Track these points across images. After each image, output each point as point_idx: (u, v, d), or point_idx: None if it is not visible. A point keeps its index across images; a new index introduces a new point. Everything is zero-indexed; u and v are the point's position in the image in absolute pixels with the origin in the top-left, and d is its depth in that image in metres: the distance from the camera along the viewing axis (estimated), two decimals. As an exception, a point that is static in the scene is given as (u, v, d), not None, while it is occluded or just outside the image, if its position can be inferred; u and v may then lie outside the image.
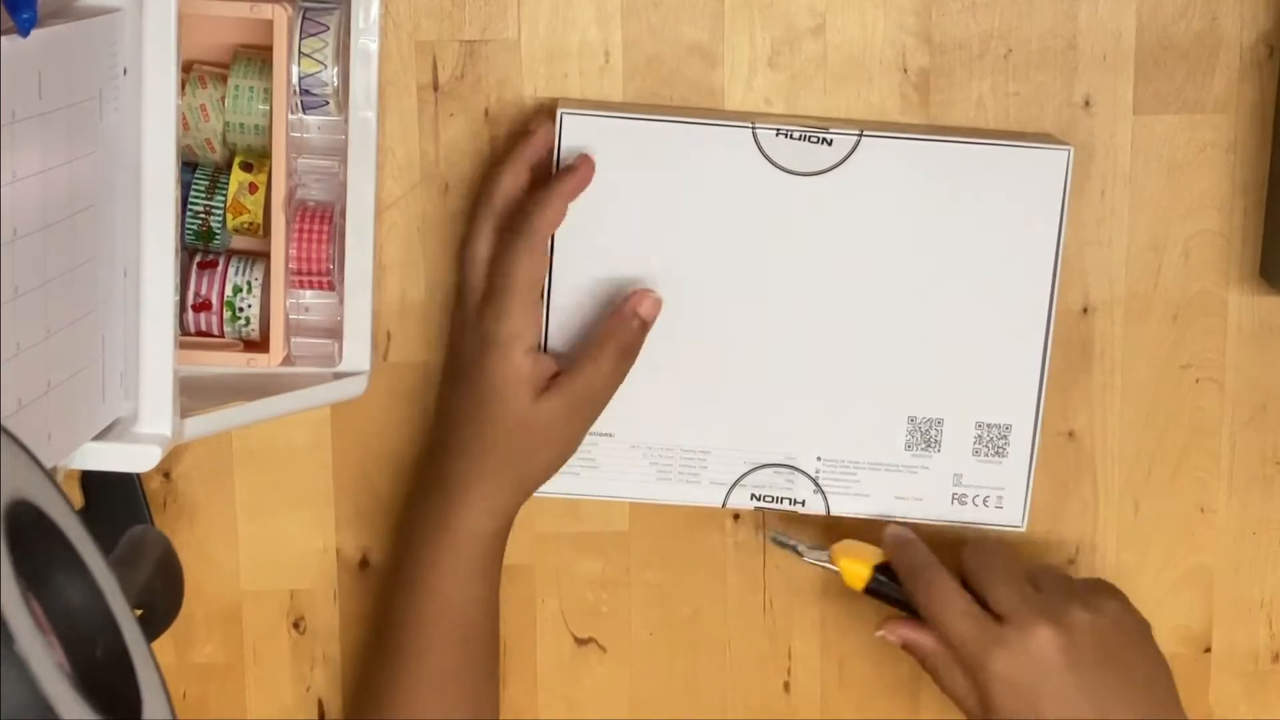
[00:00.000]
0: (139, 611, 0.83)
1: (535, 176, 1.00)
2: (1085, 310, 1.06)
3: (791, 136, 1.00)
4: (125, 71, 0.87)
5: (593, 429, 1.02)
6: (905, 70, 1.03)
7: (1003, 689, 0.96)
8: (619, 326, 0.99)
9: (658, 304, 1.00)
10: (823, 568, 1.03)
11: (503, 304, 0.97)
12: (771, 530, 1.06)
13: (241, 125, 0.99)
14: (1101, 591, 1.00)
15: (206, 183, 0.99)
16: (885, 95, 1.04)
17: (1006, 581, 0.98)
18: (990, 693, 0.96)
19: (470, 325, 1.00)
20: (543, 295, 0.99)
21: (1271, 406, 1.08)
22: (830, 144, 1.00)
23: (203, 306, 0.99)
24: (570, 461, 1.02)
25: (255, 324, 1.00)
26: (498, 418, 0.98)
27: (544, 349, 1.01)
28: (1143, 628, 1.00)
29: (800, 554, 1.04)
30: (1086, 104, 1.04)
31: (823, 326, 1.02)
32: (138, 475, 1.05)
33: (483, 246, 1.00)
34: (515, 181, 1.00)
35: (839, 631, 1.09)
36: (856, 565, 1.02)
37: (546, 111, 1.01)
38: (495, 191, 1.00)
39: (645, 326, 1.00)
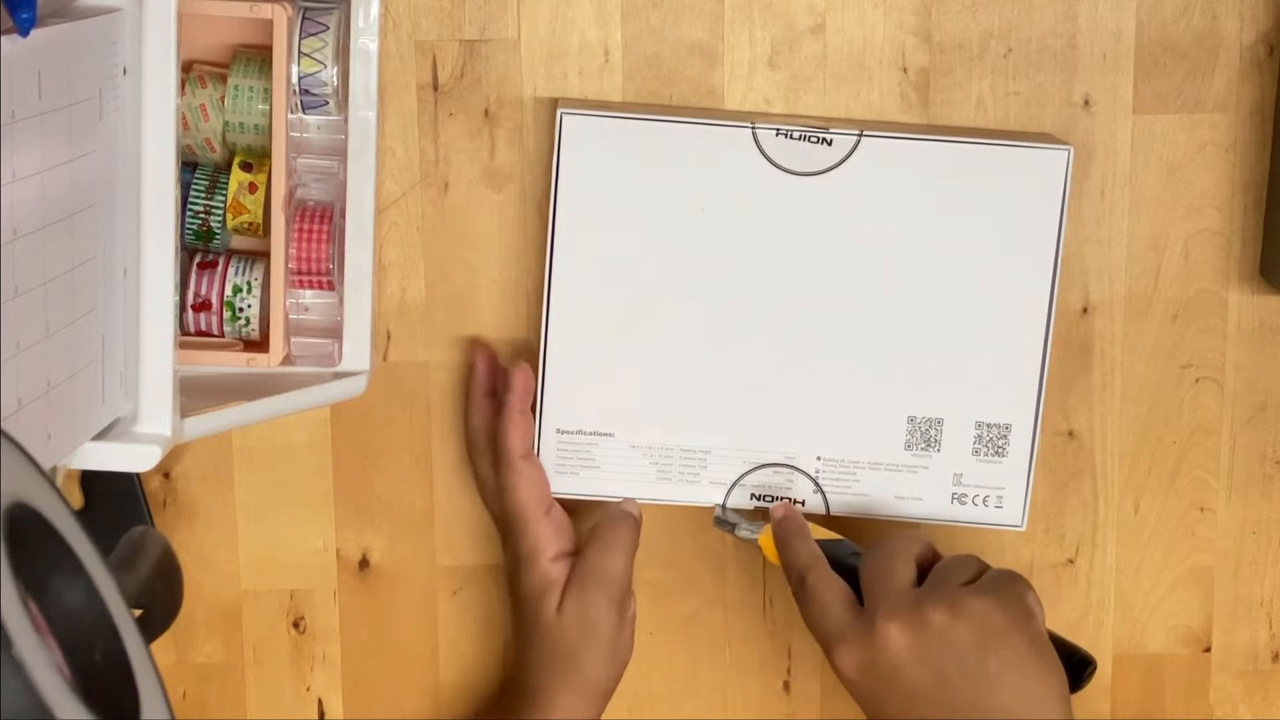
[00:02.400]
0: (138, 612, 0.83)
1: (500, 400, 1.04)
2: (1085, 310, 1.06)
3: (791, 136, 1.00)
4: (125, 71, 0.87)
5: (593, 429, 1.02)
6: (905, 70, 1.03)
7: (849, 683, 0.94)
8: (615, 522, 1.02)
9: (638, 509, 1.04)
10: (749, 543, 1.03)
11: (515, 528, 1.02)
12: (717, 510, 1.05)
13: (241, 125, 0.99)
14: (981, 591, 0.93)
15: (206, 182, 0.99)
16: (885, 95, 1.04)
17: (880, 578, 0.95)
18: (845, 686, 0.95)
19: (508, 550, 1.04)
20: (550, 507, 1.02)
21: (1271, 406, 1.08)
22: (830, 144, 1.00)
23: (203, 306, 0.99)
24: (571, 462, 1.02)
25: (255, 324, 1.00)
26: (541, 632, 1.02)
27: (545, 353, 1.02)
28: (1013, 628, 0.92)
29: (735, 532, 1.04)
30: (1086, 104, 1.04)
31: (822, 326, 1.02)
32: (138, 475, 1.06)
33: (487, 484, 1.05)
34: (484, 416, 1.05)
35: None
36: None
37: (484, 347, 1.05)
38: (474, 433, 1.05)
39: (638, 521, 1.03)
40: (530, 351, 1.06)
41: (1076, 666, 0.97)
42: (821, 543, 1.00)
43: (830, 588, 0.97)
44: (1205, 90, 1.04)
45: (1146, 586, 1.09)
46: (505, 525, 1.03)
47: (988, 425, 1.04)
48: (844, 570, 0.98)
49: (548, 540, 1.01)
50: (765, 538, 1.02)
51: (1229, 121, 1.04)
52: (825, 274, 1.02)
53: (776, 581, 1.09)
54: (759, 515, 1.05)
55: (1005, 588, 0.94)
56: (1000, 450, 1.04)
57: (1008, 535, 1.08)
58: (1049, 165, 1.01)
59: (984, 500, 1.05)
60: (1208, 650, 1.10)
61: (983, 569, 0.96)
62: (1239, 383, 1.07)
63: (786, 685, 1.11)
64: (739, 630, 1.10)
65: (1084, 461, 1.08)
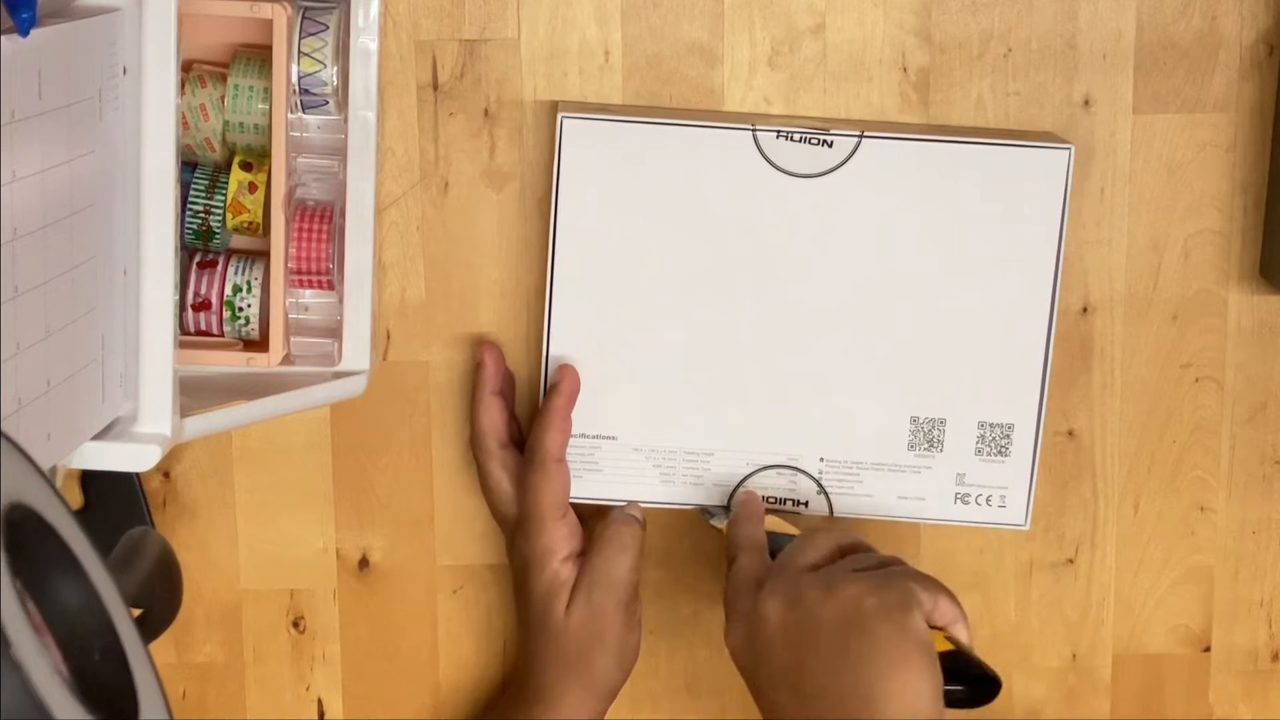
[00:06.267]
0: (138, 613, 0.83)
1: (506, 399, 1.05)
2: (1085, 310, 1.06)
3: (792, 138, 1.00)
4: (125, 71, 0.87)
5: (596, 433, 1.03)
6: (905, 70, 1.03)
7: (732, 655, 0.95)
8: (620, 527, 1.02)
9: (642, 514, 1.04)
10: (719, 530, 1.04)
11: (531, 527, 1.02)
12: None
13: (241, 125, 0.99)
14: (863, 578, 0.91)
15: (206, 182, 0.99)
16: (885, 95, 1.04)
17: (785, 559, 0.95)
18: (733, 660, 0.95)
19: (516, 550, 1.04)
20: (566, 510, 1.02)
21: (1271, 406, 1.08)
22: (831, 146, 1.00)
23: (202, 306, 0.99)
24: (574, 465, 1.03)
25: (255, 323, 1.00)
26: (549, 633, 1.02)
27: (546, 358, 1.02)
28: (883, 617, 0.89)
29: (711, 521, 1.04)
30: (1086, 103, 1.04)
31: (825, 328, 1.02)
32: (137, 475, 1.06)
33: (498, 485, 1.04)
34: (491, 416, 1.04)
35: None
36: None
37: (492, 346, 1.04)
38: (482, 433, 1.04)
39: (642, 525, 1.03)
40: (530, 351, 1.06)
41: (980, 684, 0.92)
42: (774, 535, 1.00)
43: (749, 568, 0.96)
44: (1205, 90, 1.04)
45: (1146, 586, 1.09)
46: (518, 525, 1.03)
47: (990, 425, 1.03)
48: None
49: (561, 542, 1.01)
50: (726, 525, 1.03)
51: (1229, 121, 1.04)
52: (826, 275, 1.02)
53: (776, 581, 1.09)
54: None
55: (892, 579, 0.91)
56: (1003, 450, 1.04)
57: (1008, 535, 1.08)
58: (1050, 165, 1.01)
59: (987, 500, 1.05)
60: (1208, 650, 1.10)
61: (892, 563, 0.94)
62: (1239, 383, 1.07)
63: (786, 685, 1.11)
64: (739, 630, 1.10)
65: (1084, 461, 1.08)
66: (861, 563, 0.94)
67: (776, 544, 0.99)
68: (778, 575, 0.94)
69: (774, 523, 1.02)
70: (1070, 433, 1.08)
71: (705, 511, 1.05)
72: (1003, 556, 1.09)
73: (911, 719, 0.88)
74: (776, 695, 0.92)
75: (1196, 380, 1.07)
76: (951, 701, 0.90)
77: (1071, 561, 1.09)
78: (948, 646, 0.91)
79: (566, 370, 1.02)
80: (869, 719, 0.87)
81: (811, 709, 0.90)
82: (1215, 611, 1.10)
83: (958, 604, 0.92)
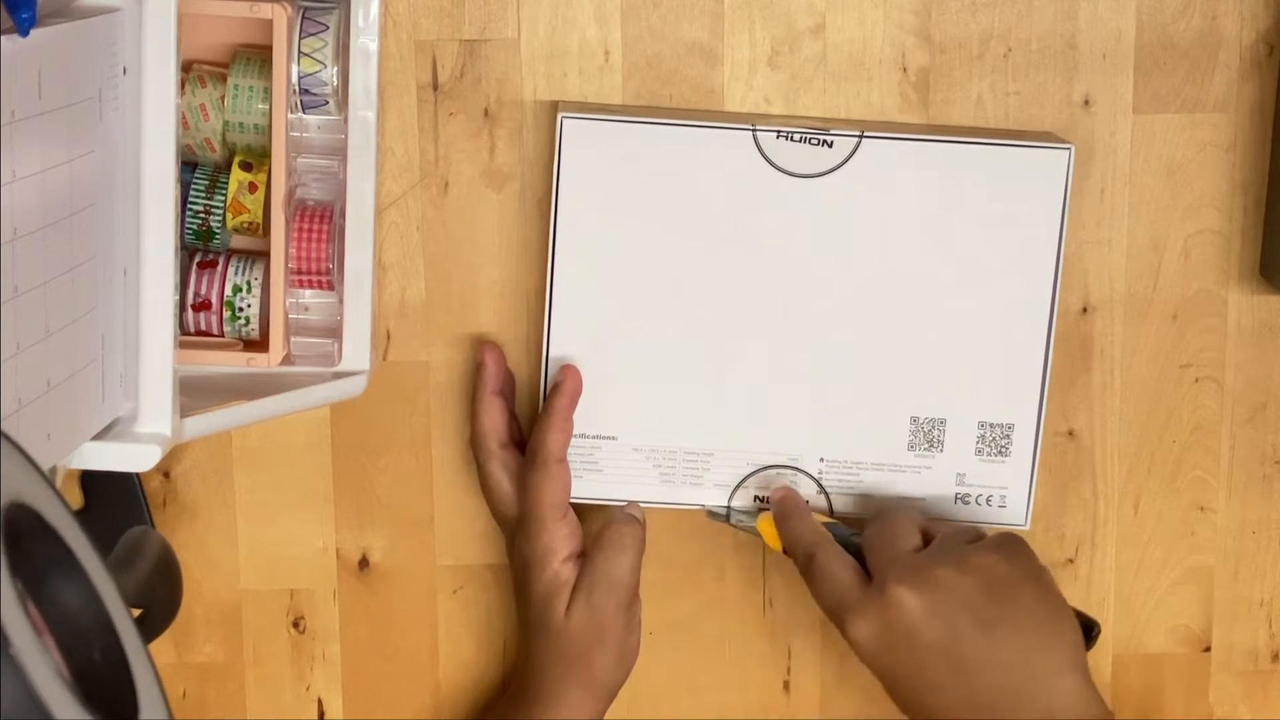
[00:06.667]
0: (138, 613, 0.83)
1: (507, 399, 1.05)
2: (1085, 310, 1.06)
3: (792, 139, 1.00)
4: (125, 71, 0.87)
5: (596, 433, 1.03)
6: (905, 70, 1.03)
7: (864, 653, 0.95)
8: (621, 527, 1.02)
9: (642, 514, 1.04)
10: (746, 531, 1.04)
11: (532, 527, 1.02)
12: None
13: (241, 125, 0.99)
14: (985, 547, 0.95)
15: (206, 182, 0.99)
16: (885, 95, 1.04)
17: (886, 546, 0.96)
18: (861, 658, 0.96)
19: (517, 550, 1.04)
20: (567, 510, 1.02)
21: (1271, 406, 1.08)
22: (831, 146, 1.00)
23: (202, 306, 0.99)
24: (574, 465, 1.02)
25: (255, 323, 1.00)
26: (550, 633, 1.02)
27: (547, 358, 1.02)
28: (1022, 579, 0.94)
29: (729, 520, 1.04)
30: (1086, 103, 1.04)
31: (825, 328, 1.02)
32: (137, 475, 1.06)
33: (499, 485, 1.04)
34: (492, 416, 1.04)
35: (838, 631, 1.09)
36: (773, 527, 1.02)
37: (493, 346, 1.04)
38: (482, 433, 1.04)
39: (642, 525, 1.03)
40: (530, 351, 1.06)
41: (1085, 629, 0.97)
42: (828, 525, 1.01)
43: (839, 562, 0.97)
44: (1205, 90, 1.04)
45: (1146, 586, 1.09)
46: (519, 525, 1.03)
47: (990, 425, 1.04)
48: (846, 549, 0.98)
49: (562, 542, 1.01)
50: (765, 522, 1.02)
51: (1229, 121, 1.04)
52: (827, 275, 1.02)
53: (776, 581, 1.09)
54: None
55: (1009, 544, 0.96)
56: (1003, 450, 1.04)
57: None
58: (1051, 164, 1.01)
59: (987, 500, 1.05)
60: (1208, 650, 1.10)
61: (982, 534, 0.98)
62: (1239, 383, 1.07)
63: (786, 685, 1.11)
64: (739, 630, 1.10)
65: (1084, 461, 1.08)
66: (960, 535, 0.96)
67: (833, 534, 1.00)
68: (892, 563, 0.95)
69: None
70: (1070, 433, 1.08)
71: (715, 515, 1.05)
72: (1003, 556, 1.09)
73: (1077, 668, 0.93)
74: (931, 677, 0.93)
75: (1196, 380, 1.07)
76: None
77: (1071, 561, 1.09)
78: None
79: (569, 370, 1.02)
80: (1042, 680, 0.92)
81: (976, 680, 0.92)
82: (1215, 611, 1.10)
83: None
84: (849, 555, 0.98)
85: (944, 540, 0.96)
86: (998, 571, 0.94)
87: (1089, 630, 0.98)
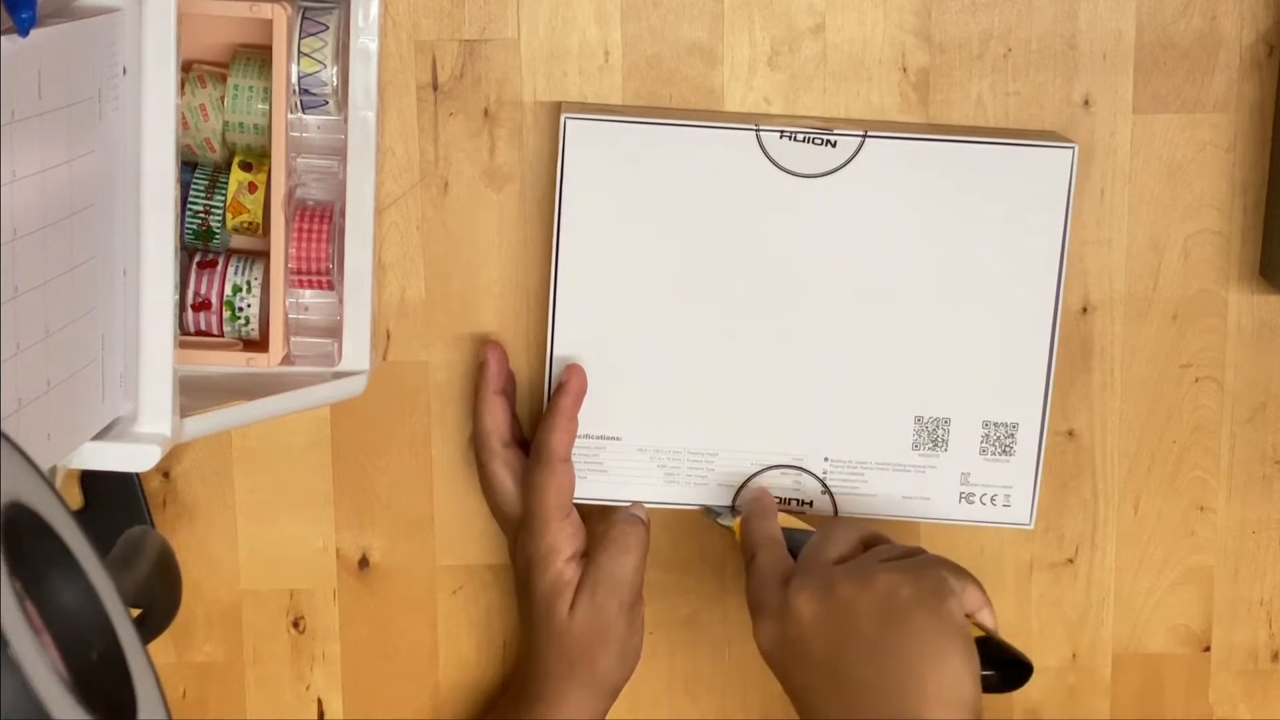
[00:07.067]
0: (137, 613, 0.83)
1: (510, 398, 1.05)
2: (1085, 310, 1.06)
3: (795, 138, 1.00)
4: (125, 71, 0.87)
5: (599, 433, 1.03)
6: (905, 70, 1.03)
7: (764, 655, 0.94)
8: (625, 527, 1.02)
9: (646, 514, 1.04)
10: (727, 529, 1.04)
11: (535, 527, 1.01)
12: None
13: (241, 125, 0.99)
14: (896, 567, 0.92)
15: (206, 182, 0.99)
16: (885, 95, 1.04)
17: (810, 553, 0.95)
18: (761, 654, 0.95)
19: (519, 550, 1.03)
20: (570, 510, 1.02)
21: (1271, 406, 1.08)
22: (834, 145, 1.00)
23: (202, 306, 0.99)
24: (579, 466, 1.02)
25: (255, 323, 1.00)
26: (552, 632, 1.01)
27: (550, 359, 1.02)
28: (919, 605, 0.89)
29: (717, 520, 1.04)
30: (1086, 103, 1.04)
31: (829, 327, 1.02)
32: (137, 475, 1.06)
33: (501, 484, 1.04)
34: (495, 415, 1.04)
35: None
36: None
37: (495, 345, 1.04)
38: (485, 432, 1.04)
39: (647, 525, 1.03)
40: (530, 352, 1.06)
41: (1011, 669, 0.93)
42: (790, 531, 1.00)
43: (771, 565, 0.96)
44: (1205, 90, 1.04)
45: (1146, 586, 1.09)
46: (522, 524, 1.03)
47: (995, 424, 1.04)
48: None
49: (565, 541, 1.01)
50: (739, 523, 1.02)
51: (1229, 121, 1.04)
52: (830, 275, 1.02)
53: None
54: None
55: (924, 568, 0.92)
56: (1007, 449, 1.04)
57: (1008, 535, 1.08)
58: (1054, 163, 1.01)
59: (991, 499, 1.05)
60: (1207, 650, 1.10)
61: (916, 553, 0.94)
62: (1239, 383, 1.07)
63: (786, 685, 1.11)
64: (739, 630, 1.10)
65: (1084, 461, 1.08)
66: (888, 553, 0.94)
67: (791, 540, 0.99)
68: (806, 570, 0.94)
69: (784, 519, 1.02)
70: (1070, 433, 1.08)
71: (710, 511, 1.05)
72: (1002, 556, 1.09)
73: (956, 704, 0.88)
74: (815, 690, 0.91)
75: (1196, 380, 1.07)
76: (985, 687, 0.90)
77: (1071, 561, 1.09)
78: (978, 632, 0.91)
79: (574, 370, 1.02)
80: (913, 710, 0.87)
81: (853, 701, 0.89)
82: (1215, 611, 1.10)
83: (983, 590, 0.93)
84: (790, 561, 0.97)
85: (868, 555, 0.94)
86: (898, 594, 0.90)
87: (1016, 670, 0.93)
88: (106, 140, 0.86)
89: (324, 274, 1.00)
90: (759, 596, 0.95)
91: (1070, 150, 1.00)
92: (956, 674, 0.88)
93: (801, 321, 1.02)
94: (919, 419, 1.04)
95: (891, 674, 0.89)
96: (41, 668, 0.53)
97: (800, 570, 0.94)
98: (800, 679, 0.92)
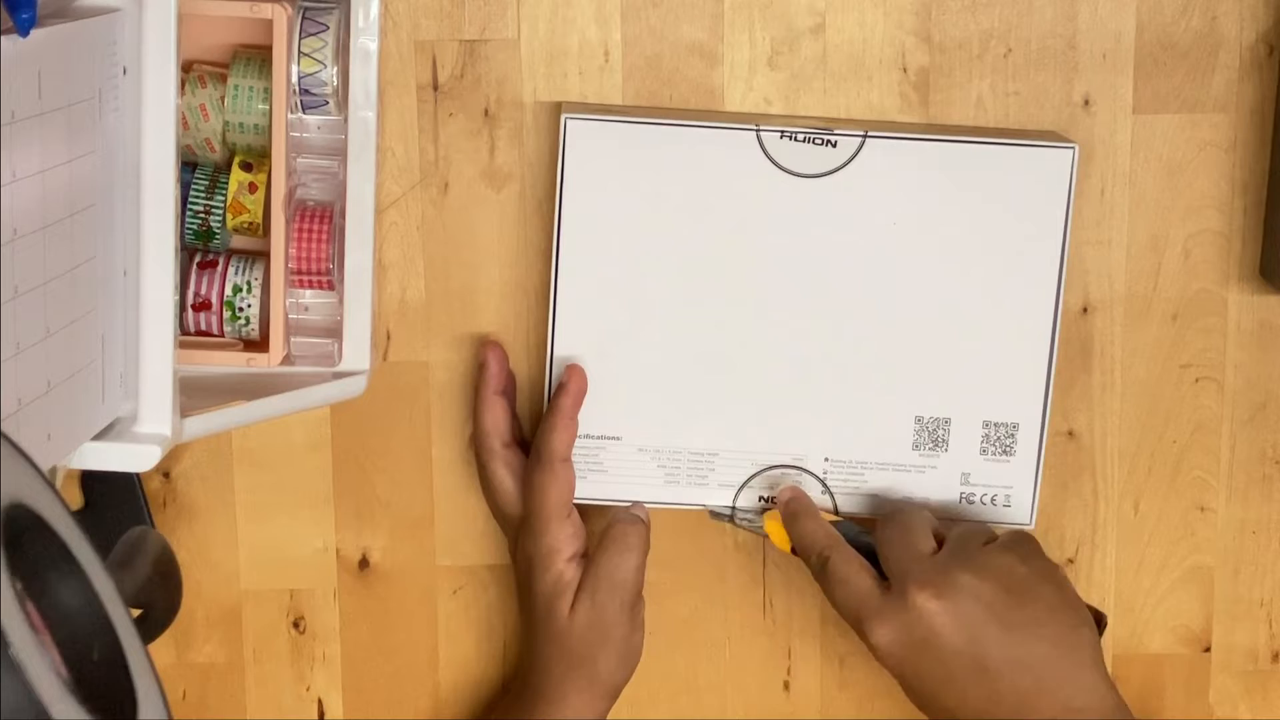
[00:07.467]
0: (137, 613, 0.83)
1: (510, 398, 1.05)
2: (1085, 310, 1.06)
3: (796, 139, 1.00)
4: (125, 71, 0.87)
5: (599, 433, 1.03)
6: (905, 70, 1.03)
7: (886, 658, 0.96)
8: (625, 527, 1.02)
9: (646, 514, 1.04)
10: (752, 531, 1.04)
11: (536, 526, 1.01)
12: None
13: (241, 125, 0.99)
14: (1000, 548, 0.97)
15: (206, 182, 0.99)
16: (885, 95, 1.04)
17: (902, 550, 0.97)
18: (881, 662, 0.96)
19: (520, 550, 1.03)
20: (571, 510, 1.02)
21: (1271, 406, 1.08)
22: (835, 145, 1.00)
23: (202, 306, 0.99)
24: (579, 466, 1.02)
25: (255, 324, 1.00)
26: (553, 633, 1.02)
27: (551, 359, 1.02)
28: (1040, 579, 0.96)
29: (734, 521, 1.04)
30: (1086, 103, 1.04)
31: (829, 328, 1.02)
32: (137, 475, 1.06)
33: (502, 484, 1.04)
34: (494, 415, 1.04)
35: (839, 631, 1.09)
36: (781, 527, 1.02)
37: (495, 345, 1.04)
38: (485, 433, 1.04)
39: (647, 526, 1.03)
40: (530, 352, 1.06)
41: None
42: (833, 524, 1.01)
43: (855, 566, 0.98)
44: (1205, 90, 1.04)
45: (1146, 586, 1.09)
46: (523, 525, 1.03)
47: (995, 424, 1.04)
48: (856, 549, 0.98)
49: (566, 542, 1.01)
50: (773, 523, 1.02)
51: (1229, 121, 1.04)
52: (830, 275, 1.02)
53: (776, 581, 1.09)
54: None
55: (1022, 544, 0.97)
56: (1008, 449, 1.04)
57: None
58: (1054, 163, 1.01)
59: (992, 499, 1.05)
60: (1208, 650, 1.10)
61: (994, 534, 0.98)
62: (1239, 383, 1.07)
63: (786, 685, 1.11)
64: (739, 630, 1.10)
65: (1084, 461, 1.08)
66: (974, 536, 0.97)
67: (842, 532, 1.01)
68: (912, 568, 0.95)
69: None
70: (1070, 433, 1.08)
71: (717, 514, 1.05)
72: (1003, 556, 1.08)
73: (1099, 661, 0.95)
74: (955, 679, 0.94)
75: (1196, 380, 1.07)
76: None
77: (1071, 561, 1.09)
78: None
79: (574, 370, 1.02)
80: (1073, 674, 0.94)
81: (999, 681, 0.94)
82: (1215, 611, 1.10)
83: None
84: (862, 558, 0.98)
85: (959, 542, 0.97)
86: (1016, 573, 0.95)
87: (1099, 621, 0.99)
88: (106, 140, 0.86)
89: (324, 274, 1.00)
90: (860, 601, 0.97)
91: (1070, 150, 1.00)
92: (1090, 636, 0.96)
93: (801, 321, 1.02)
94: (919, 419, 1.04)
95: (1034, 649, 0.94)
96: (42, 668, 0.53)
97: (905, 569, 0.96)
98: (937, 671, 0.94)
